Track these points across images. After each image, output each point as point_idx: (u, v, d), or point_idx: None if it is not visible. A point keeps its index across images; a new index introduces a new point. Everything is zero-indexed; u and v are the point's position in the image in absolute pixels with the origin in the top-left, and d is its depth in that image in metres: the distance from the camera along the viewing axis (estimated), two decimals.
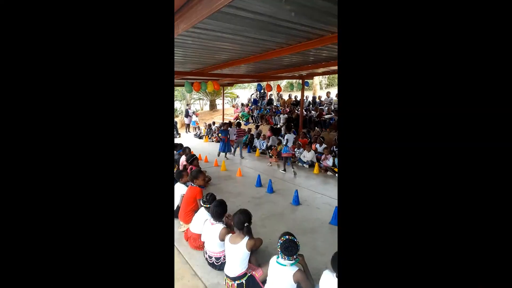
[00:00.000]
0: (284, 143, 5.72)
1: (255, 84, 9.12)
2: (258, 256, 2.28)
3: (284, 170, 5.40)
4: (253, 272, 1.99)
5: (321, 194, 4.19)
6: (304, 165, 5.87)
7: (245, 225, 2.03)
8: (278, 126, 8.85)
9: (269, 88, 7.83)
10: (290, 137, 5.82)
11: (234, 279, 1.95)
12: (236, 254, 1.96)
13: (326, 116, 7.77)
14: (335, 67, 6.20)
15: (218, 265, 2.25)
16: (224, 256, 2.25)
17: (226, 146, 6.69)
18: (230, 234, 2.12)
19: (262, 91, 8.59)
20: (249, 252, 1.99)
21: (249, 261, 2.05)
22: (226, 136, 6.63)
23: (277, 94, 11.34)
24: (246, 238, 1.98)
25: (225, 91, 13.26)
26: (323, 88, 16.83)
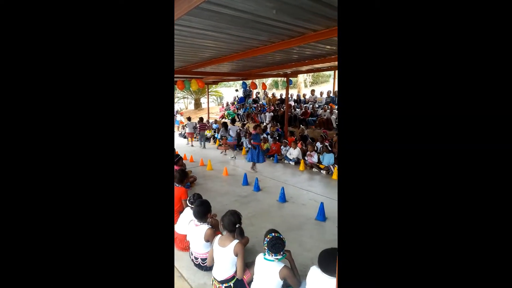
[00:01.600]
0: (229, 134, 6.88)
1: (240, 82, 9.09)
2: (245, 255, 2.27)
3: (234, 157, 6.55)
4: None
5: (307, 191, 4.25)
6: (290, 162, 5.92)
7: (237, 226, 1.98)
8: (264, 123, 8.88)
9: (254, 86, 7.84)
10: (233, 128, 6.97)
11: (222, 282, 1.93)
12: (225, 257, 1.93)
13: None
14: (319, 65, 6.27)
15: (204, 266, 2.22)
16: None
17: (258, 156, 5.22)
18: (219, 236, 2.06)
19: (247, 88, 8.57)
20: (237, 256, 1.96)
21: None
22: (260, 143, 5.36)
23: (263, 92, 11.36)
24: (235, 242, 1.93)
25: (210, 90, 13.12)
26: (308, 86, 17.02)
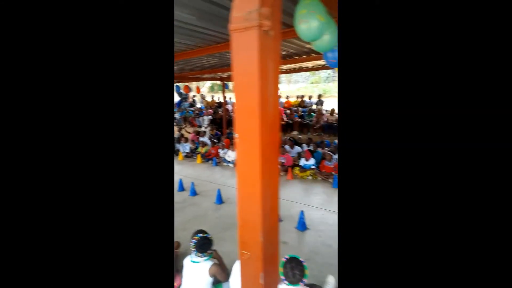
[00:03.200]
0: None
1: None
2: (176, 260, 2.24)
3: None
4: None
5: None
6: (229, 164, 6.03)
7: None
8: (203, 128, 8.77)
9: (187, 89, 7.69)
10: None
11: None
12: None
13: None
14: None
15: None
16: None
17: None
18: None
19: (180, 91, 8.33)
20: None
21: None
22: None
23: (200, 95, 11.21)
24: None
25: None
26: None
